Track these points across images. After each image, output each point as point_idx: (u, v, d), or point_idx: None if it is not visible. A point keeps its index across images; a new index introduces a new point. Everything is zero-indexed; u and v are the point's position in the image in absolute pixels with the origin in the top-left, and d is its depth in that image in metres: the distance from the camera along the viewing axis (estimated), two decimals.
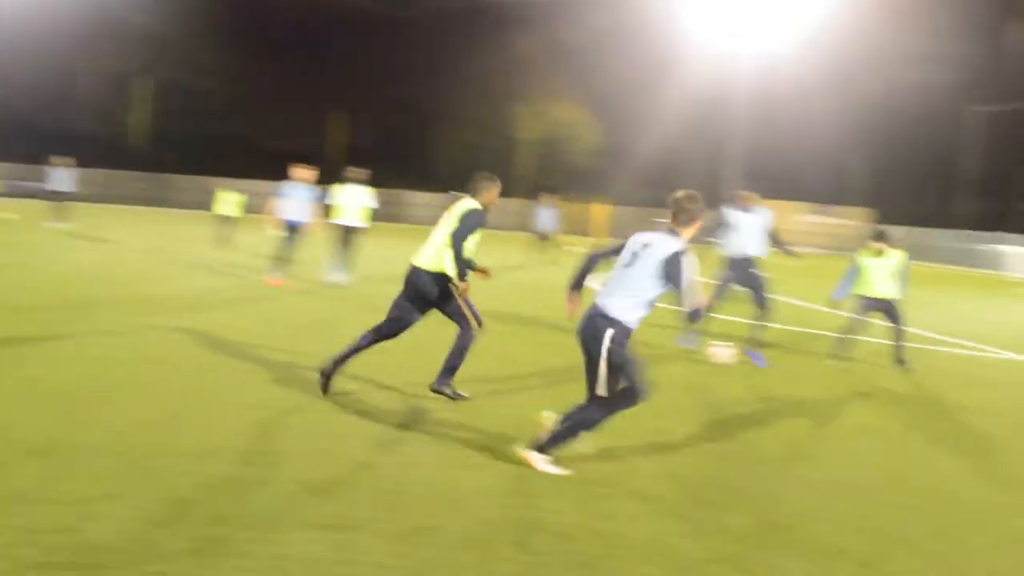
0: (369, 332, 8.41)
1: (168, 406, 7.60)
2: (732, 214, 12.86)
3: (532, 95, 74.77)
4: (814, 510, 6.14)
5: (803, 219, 66.73)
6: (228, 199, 28.47)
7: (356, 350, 8.36)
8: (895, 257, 12.27)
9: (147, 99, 76.22)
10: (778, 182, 76.99)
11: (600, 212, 43.41)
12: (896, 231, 56.19)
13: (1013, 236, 51.60)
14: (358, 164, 18.40)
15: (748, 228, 12.86)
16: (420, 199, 65.95)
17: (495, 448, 6.92)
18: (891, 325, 12.35)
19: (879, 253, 12.45)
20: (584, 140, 77.46)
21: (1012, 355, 14.16)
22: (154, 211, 51.03)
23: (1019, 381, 12.21)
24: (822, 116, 78.48)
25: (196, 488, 5.73)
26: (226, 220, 27.93)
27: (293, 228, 17.22)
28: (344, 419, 7.59)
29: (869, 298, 12.39)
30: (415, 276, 8.15)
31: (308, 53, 79.22)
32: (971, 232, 53.94)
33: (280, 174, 18.07)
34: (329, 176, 20.11)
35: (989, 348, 14.61)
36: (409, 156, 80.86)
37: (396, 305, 8.26)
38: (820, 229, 65.01)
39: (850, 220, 66.83)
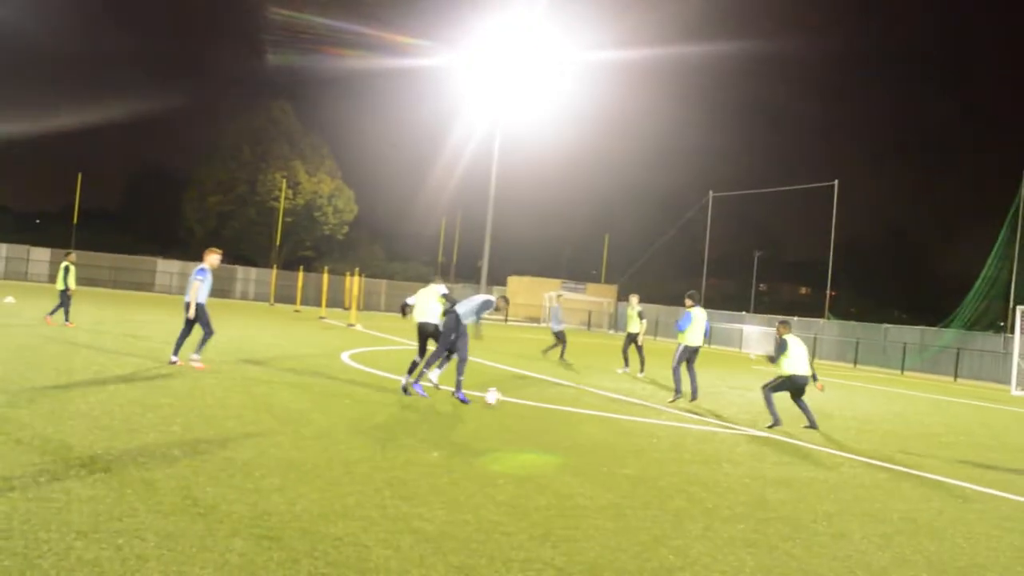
0: None
1: None
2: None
3: (290, 165, 73.45)
4: None
5: (555, 295, 68.40)
6: None
7: None
8: None
9: None
10: (536, 261, 78.96)
11: (355, 284, 42.94)
12: (646, 309, 58.71)
13: (751, 316, 54.60)
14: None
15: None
16: (164, 267, 63.24)
17: None
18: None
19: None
20: (341, 212, 76.71)
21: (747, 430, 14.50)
22: None
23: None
24: (576, 198, 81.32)
25: None
26: None
27: None
28: None
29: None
30: None
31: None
32: (714, 311, 56.60)
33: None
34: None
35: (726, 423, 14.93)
36: (157, 221, 77.59)
37: None
38: (572, 305, 66.75)
39: (599, 297, 69.11)
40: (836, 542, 7.34)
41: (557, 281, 71.85)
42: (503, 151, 65.06)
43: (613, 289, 71.98)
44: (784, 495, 9.06)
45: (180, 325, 16.00)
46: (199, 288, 15.40)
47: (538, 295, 69.24)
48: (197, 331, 15.55)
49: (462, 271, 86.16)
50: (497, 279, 73.78)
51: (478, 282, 72.30)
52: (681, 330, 17.35)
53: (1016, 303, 36.86)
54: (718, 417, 15.35)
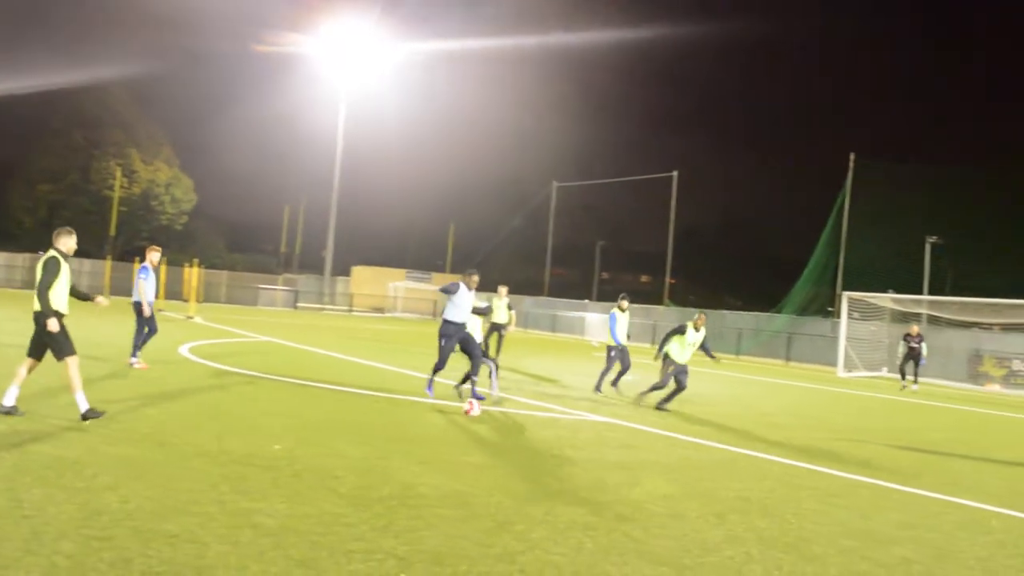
0: None
1: None
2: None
3: (125, 153, 70.70)
4: None
5: (400, 285, 68.17)
6: None
7: None
8: None
9: None
10: (381, 251, 78.48)
11: (194, 275, 41.67)
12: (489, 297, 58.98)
13: (593, 304, 55.58)
14: None
15: None
16: None
17: None
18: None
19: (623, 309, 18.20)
20: (179, 201, 74.38)
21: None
22: None
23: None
24: (419, 189, 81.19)
25: None
26: None
27: None
28: None
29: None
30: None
31: None
32: (556, 299, 57.27)
33: None
34: None
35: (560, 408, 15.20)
36: None
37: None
38: (416, 295, 66.67)
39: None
40: (672, 522, 7.57)
41: (402, 271, 71.58)
42: (348, 140, 64.67)
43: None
44: (623, 478, 9.27)
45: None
46: (145, 287, 15.99)
47: (383, 285, 68.85)
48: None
49: (306, 261, 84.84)
50: (342, 269, 73.02)
51: (321, 273, 71.47)
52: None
53: (843, 289, 38.65)
54: (561, 403, 15.58)
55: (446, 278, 69.93)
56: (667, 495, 8.64)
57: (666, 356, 15.91)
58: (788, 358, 40.31)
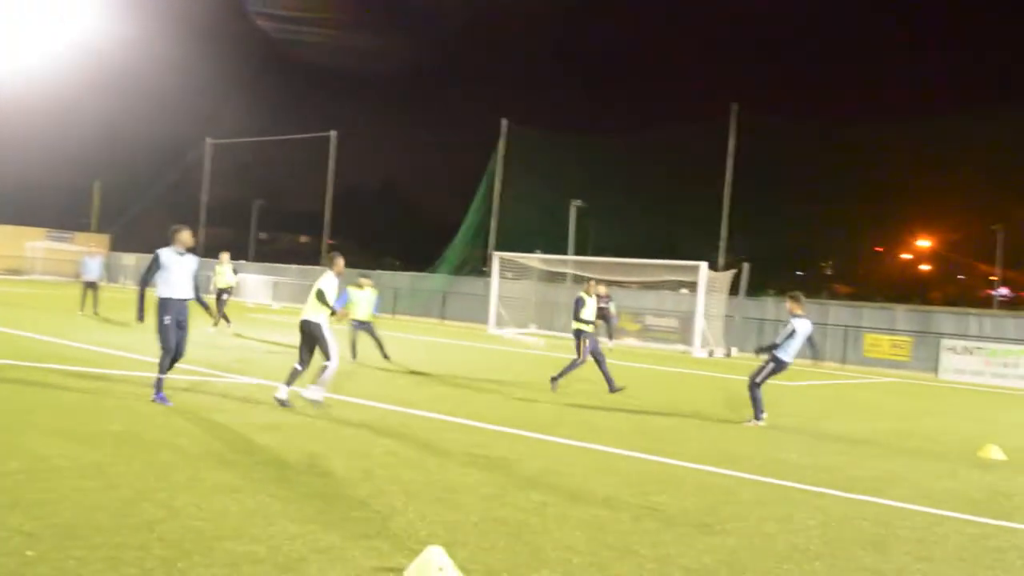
0: None
1: None
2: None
3: None
4: None
5: (39, 245, 63.45)
6: None
7: None
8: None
9: None
10: (15, 207, 72.34)
11: None
12: (128, 258, 56.14)
13: (250, 264, 54.37)
14: None
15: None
16: None
17: None
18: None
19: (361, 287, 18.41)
20: None
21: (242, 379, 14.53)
22: None
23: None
24: (59, 141, 75.66)
25: None
26: None
27: None
28: None
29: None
30: None
31: None
32: (211, 260, 55.31)
33: None
34: None
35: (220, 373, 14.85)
36: None
37: None
38: (58, 256, 62.24)
39: (89, 247, 65.04)
40: (319, 479, 7.67)
41: (41, 230, 66.44)
42: None
43: (105, 239, 68.04)
44: (271, 439, 9.24)
45: None
46: None
47: (19, 245, 63.63)
48: None
49: None
50: None
51: None
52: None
53: (495, 249, 40.23)
54: (212, 366, 15.18)
55: (91, 238, 65.72)
56: (314, 453, 8.71)
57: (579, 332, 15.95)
58: (444, 316, 41.46)
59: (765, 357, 13.44)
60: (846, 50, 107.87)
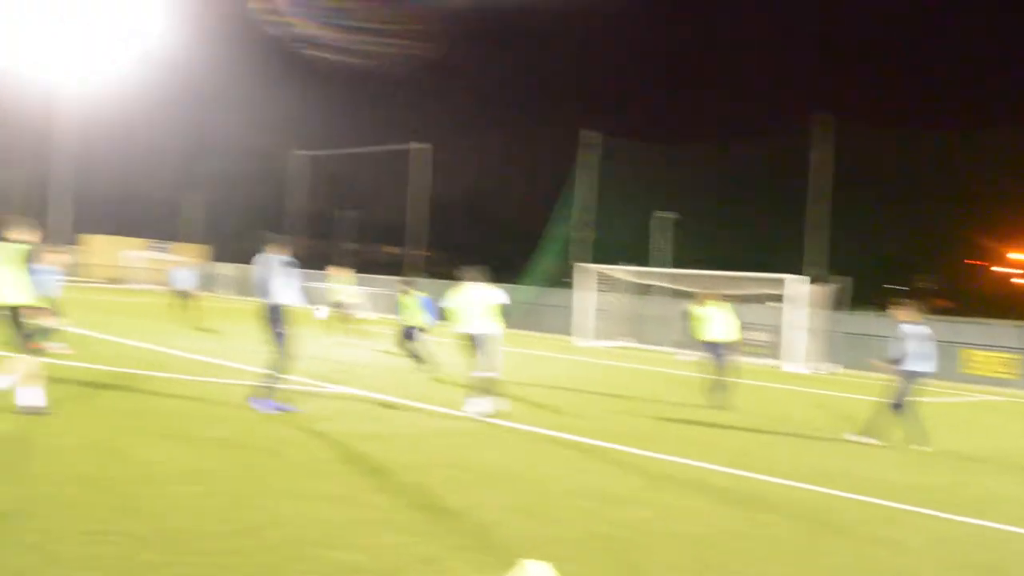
0: None
1: None
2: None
3: None
4: None
5: (140, 256, 65.01)
6: None
7: None
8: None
9: None
10: (114, 217, 74.28)
11: None
12: (228, 268, 57.19)
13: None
14: None
15: None
16: None
17: None
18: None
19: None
20: None
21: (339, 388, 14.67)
22: None
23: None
24: (157, 154, 77.63)
25: None
26: None
27: None
28: None
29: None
30: None
31: None
32: (303, 271, 55.99)
33: None
34: None
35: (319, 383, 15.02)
36: None
37: None
38: (157, 266, 63.74)
39: (186, 257, 66.55)
40: (420, 490, 7.72)
41: (141, 240, 68.06)
42: (71, 99, 60.43)
43: (203, 249, 69.41)
44: (373, 449, 9.32)
45: None
46: None
47: (116, 255, 65.24)
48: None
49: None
50: (64, 238, 68.36)
51: (50, 240, 66.77)
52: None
53: (580, 260, 40.10)
54: (313, 377, 15.30)
55: (187, 249, 67.22)
56: (415, 464, 8.75)
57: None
58: (530, 327, 41.43)
59: (891, 375, 12.79)
60: (944, 56, 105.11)
